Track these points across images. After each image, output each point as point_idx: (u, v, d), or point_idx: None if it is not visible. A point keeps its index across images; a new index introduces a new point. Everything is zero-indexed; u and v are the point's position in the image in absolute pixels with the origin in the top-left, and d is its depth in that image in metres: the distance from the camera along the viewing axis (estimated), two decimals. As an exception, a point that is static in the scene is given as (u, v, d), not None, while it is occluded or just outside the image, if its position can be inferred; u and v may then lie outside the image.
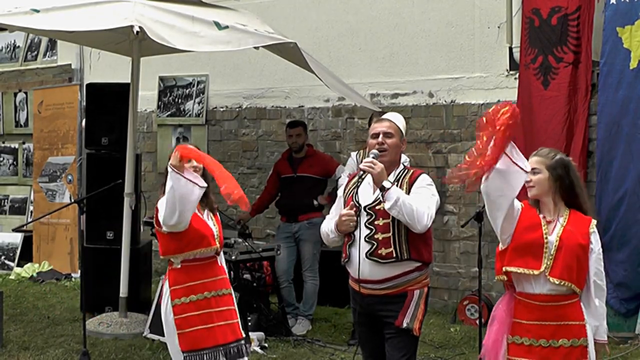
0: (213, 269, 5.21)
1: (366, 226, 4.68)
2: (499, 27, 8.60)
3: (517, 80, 8.36)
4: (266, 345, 7.47)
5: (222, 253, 5.39)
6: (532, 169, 4.19)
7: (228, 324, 5.18)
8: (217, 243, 5.22)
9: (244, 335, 5.27)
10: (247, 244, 7.74)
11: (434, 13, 9.02)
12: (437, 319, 8.41)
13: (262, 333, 7.57)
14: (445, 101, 8.95)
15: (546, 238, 4.13)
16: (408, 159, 7.39)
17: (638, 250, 7.50)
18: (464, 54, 8.85)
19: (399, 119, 4.93)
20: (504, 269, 4.24)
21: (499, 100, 8.59)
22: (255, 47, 7.57)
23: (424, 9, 9.08)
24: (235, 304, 5.33)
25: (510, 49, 8.54)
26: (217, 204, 5.42)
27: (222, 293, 5.21)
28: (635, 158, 7.49)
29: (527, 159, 4.20)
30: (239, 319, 5.28)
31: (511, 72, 8.54)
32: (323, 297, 8.46)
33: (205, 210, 5.28)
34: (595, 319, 4.17)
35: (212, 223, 5.26)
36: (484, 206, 6.56)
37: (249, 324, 7.49)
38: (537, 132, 8.06)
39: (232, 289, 5.32)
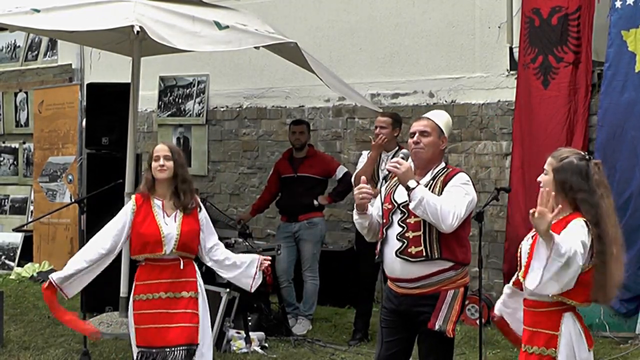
0: (173, 270, 5.16)
1: (399, 224, 4.68)
2: (499, 27, 8.60)
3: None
4: (266, 345, 7.48)
5: (202, 255, 5.30)
6: (544, 169, 4.18)
7: (182, 327, 5.10)
8: (168, 248, 5.12)
9: (198, 342, 5.13)
10: (247, 243, 7.74)
11: (434, 13, 9.02)
12: (437, 319, 8.39)
13: (262, 333, 7.58)
14: (446, 101, 8.95)
15: (520, 248, 4.13)
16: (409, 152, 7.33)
17: (638, 252, 7.50)
18: (465, 54, 8.85)
19: (440, 117, 4.89)
20: None
21: (499, 101, 8.63)
22: (255, 47, 7.57)
23: (424, 9, 9.08)
24: (201, 308, 5.18)
25: (511, 49, 8.54)
26: (196, 202, 5.27)
27: (181, 296, 5.14)
28: None
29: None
30: (199, 324, 5.15)
31: (512, 72, 8.54)
32: (323, 297, 8.46)
33: (176, 211, 5.19)
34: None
35: (173, 226, 5.15)
36: (484, 206, 6.59)
37: (249, 324, 7.50)
38: (536, 132, 8.06)
39: (199, 293, 5.19)
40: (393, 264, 4.69)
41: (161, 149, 5.23)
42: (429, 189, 4.63)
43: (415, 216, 4.61)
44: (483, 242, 6.74)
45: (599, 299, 4.05)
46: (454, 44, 8.90)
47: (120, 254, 7.87)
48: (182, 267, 5.15)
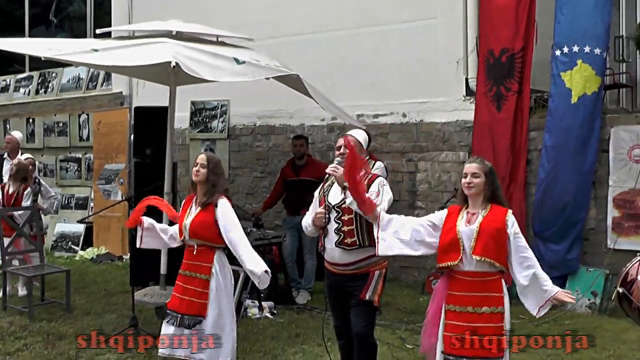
0: (190, 254, 5.09)
1: (335, 221, 4.70)
2: (457, 62, 8.61)
3: (472, 104, 8.40)
4: (275, 312, 7.49)
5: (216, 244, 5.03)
6: (473, 173, 4.21)
7: (191, 301, 4.99)
8: (186, 235, 5.04)
9: (205, 315, 4.94)
10: (260, 232, 7.74)
11: (405, 51, 9.03)
12: (409, 291, 8.40)
13: (272, 302, 7.58)
14: (415, 120, 8.95)
15: (459, 231, 4.18)
16: (383, 165, 7.37)
17: (570, 243, 7.63)
18: (430, 83, 8.85)
19: (359, 134, 4.92)
20: (437, 265, 4.29)
21: (457, 120, 8.64)
22: (266, 78, 7.57)
23: (398, 47, 9.09)
24: (214, 290, 4.95)
25: (467, 79, 8.56)
26: (215, 198, 5.01)
27: (194, 276, 5.02)
28: (576, 172, 7.57)
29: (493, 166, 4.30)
30: (208, 301, 4.94)
31: (467, 98, 8.56)
32: (320, 274, 8.40)
33: (198, 207, 5.08)
34: (531, 287, 4.14)
35: (190, 219, 5.05)
36: (446, 202, 6.57)
37: (262, 295, 7.49)
38: (491, 145, 8.12)
39: (213, 276, 4.97)
40: (333, 252, 4.72)
41: (200, 158, 5.11)
42: None
43: (349, 213, 4.62)
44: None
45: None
46: (421, 76, 8.90)
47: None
48: (194, 252, 5.05)
